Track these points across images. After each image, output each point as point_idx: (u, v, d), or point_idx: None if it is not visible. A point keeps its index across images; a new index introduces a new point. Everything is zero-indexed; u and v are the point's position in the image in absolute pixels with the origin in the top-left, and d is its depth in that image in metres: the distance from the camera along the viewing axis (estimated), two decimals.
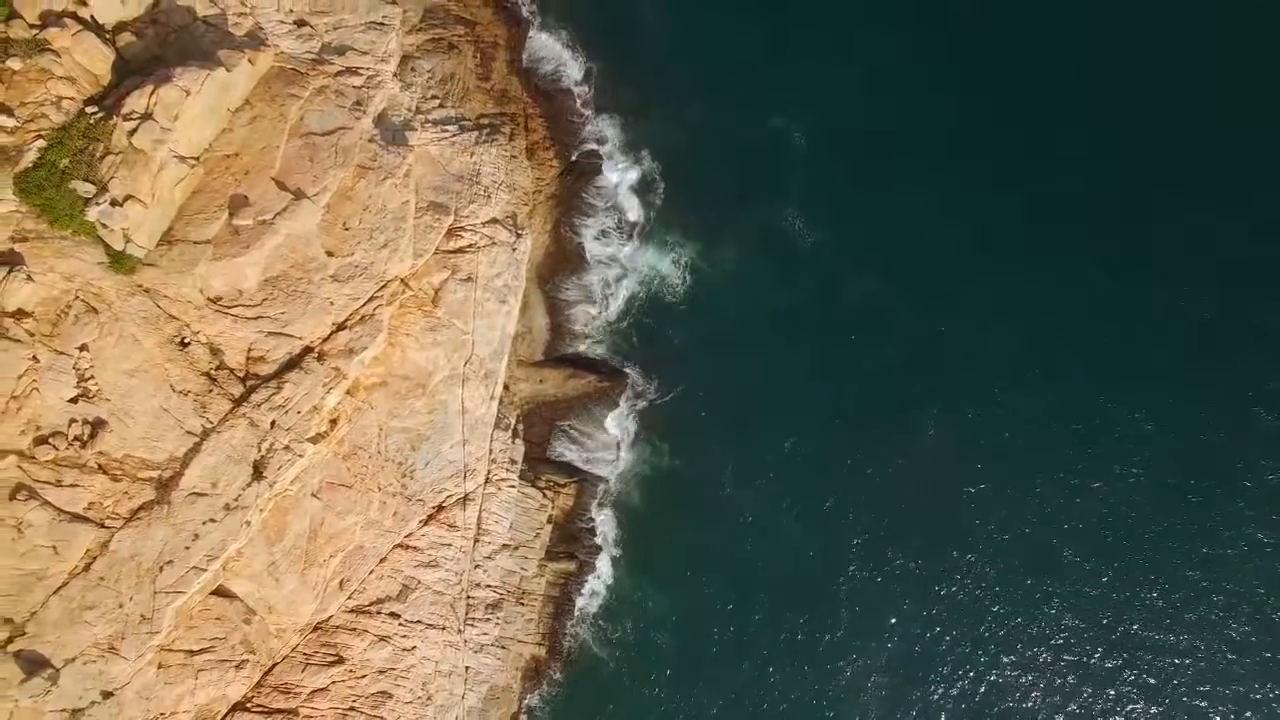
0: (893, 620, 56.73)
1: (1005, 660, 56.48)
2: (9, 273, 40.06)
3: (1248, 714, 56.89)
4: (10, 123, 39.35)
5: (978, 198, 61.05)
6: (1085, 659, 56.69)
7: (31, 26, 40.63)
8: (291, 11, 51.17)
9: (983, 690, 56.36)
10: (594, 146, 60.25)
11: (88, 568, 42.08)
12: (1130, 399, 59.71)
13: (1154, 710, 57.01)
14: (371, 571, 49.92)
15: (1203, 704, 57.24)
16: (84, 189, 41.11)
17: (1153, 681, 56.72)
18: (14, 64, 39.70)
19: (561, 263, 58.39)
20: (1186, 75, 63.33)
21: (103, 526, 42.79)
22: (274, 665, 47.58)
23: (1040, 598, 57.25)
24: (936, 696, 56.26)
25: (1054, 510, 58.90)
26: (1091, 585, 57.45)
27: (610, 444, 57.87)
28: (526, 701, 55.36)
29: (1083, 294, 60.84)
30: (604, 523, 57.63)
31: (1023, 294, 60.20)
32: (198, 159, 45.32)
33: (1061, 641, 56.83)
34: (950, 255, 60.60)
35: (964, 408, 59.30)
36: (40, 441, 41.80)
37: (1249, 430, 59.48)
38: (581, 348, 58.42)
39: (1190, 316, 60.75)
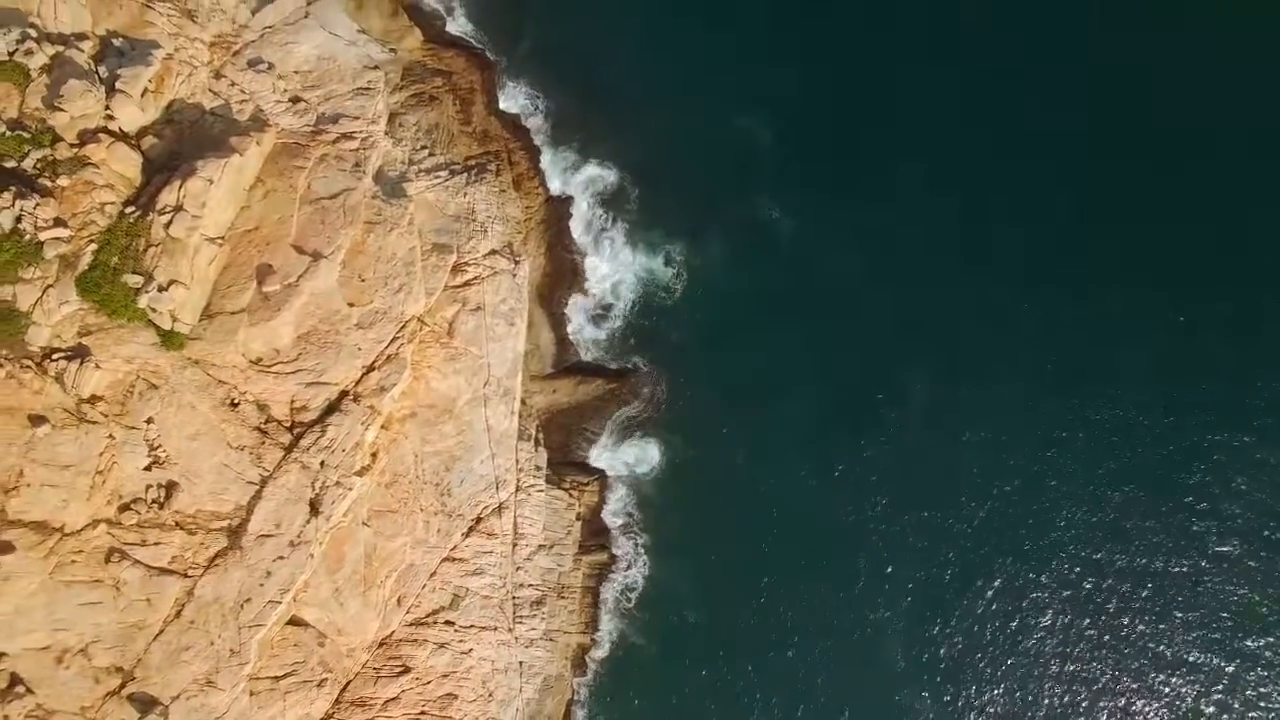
0: (910, 574, 58.28)
1: (1017, 606, 58.03)
2: (81, 364, 43.10)
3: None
4: (66, 233, 42.60)
5: (940, 170, 63.48)
6: (1091, 607, 58.20)
7: (72, 146, 44.02)
8: (286, 91, 54.10)
9: (999, 638, 57.80)
10: (572, 170, 62.49)
11: (179, 614, 44.92)
12: (1109, 350, 61.44)
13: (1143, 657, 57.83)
14: (424, 586, 51.99)
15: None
16: (133, 281, 44.29)
17: (1145, 627, 58.01)
18: (63, 181, 43.01)
19: (558, 280, 60.92)
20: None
21: (186, 576, 45.41)
22: (349, 682, 49.80)
23: (1049, 547, 58.88)
24: (957, 645, 57.59)
25: (1044, 457, 60.26)
26: (1090, 536, 59.06)
27: (625, 439, 59.70)
28: (577, 688, 56.86)
29: (1048, 250, 62.86)
30: (629, 512, 59.17)
31: (991, 252, 62.38)
32: (224, 238, 48.21)
33: (1075, 599, 58.24)
34: (920, 226, 62.84)
35: (948, 364, 61.03)
36: (124, 508, 44.70)
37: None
38: (587, 355, 60.63)
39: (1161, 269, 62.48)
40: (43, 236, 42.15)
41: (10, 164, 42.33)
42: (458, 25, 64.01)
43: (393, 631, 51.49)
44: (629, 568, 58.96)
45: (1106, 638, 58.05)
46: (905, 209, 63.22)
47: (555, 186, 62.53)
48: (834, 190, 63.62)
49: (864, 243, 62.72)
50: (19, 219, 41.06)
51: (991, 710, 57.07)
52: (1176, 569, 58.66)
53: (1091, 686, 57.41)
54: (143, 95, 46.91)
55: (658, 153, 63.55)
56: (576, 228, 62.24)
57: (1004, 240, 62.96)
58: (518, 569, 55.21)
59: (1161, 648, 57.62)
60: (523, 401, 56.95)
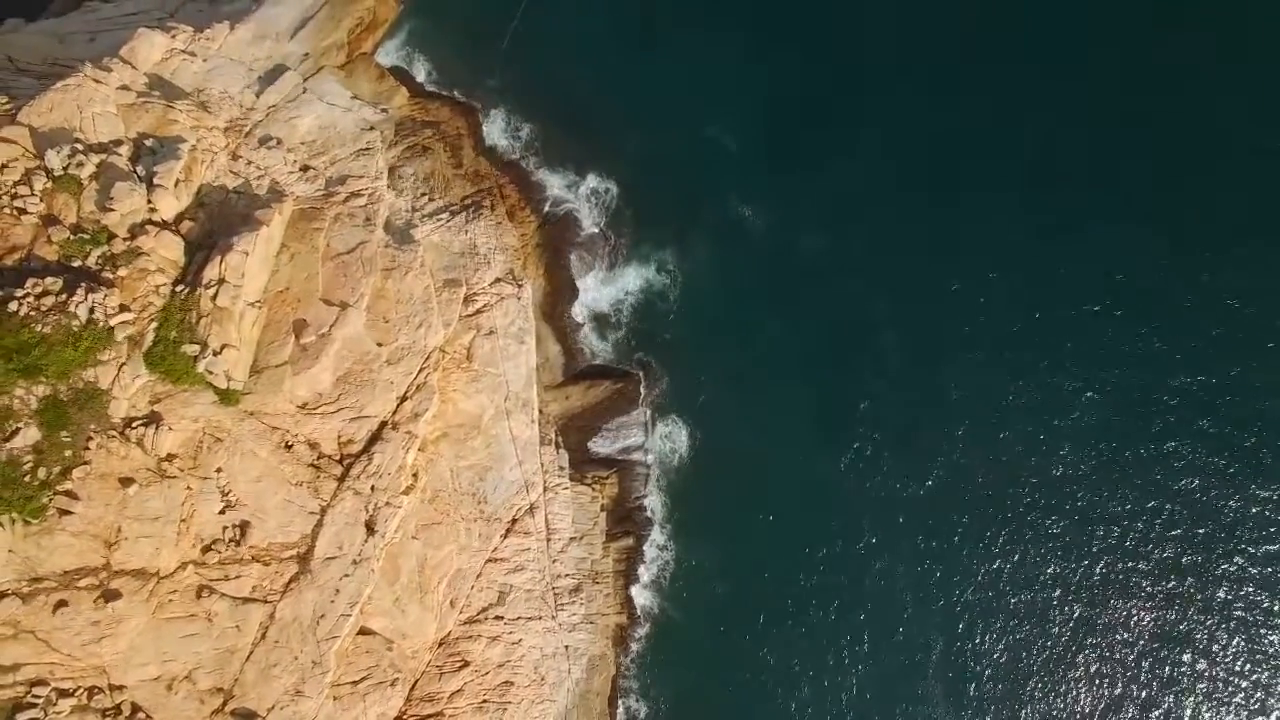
0: (911, 527, 61.17)
1: (1015, 553, 60.63)
2: (156, 428, 46.11)
3: None
4: (131, 316, 45.64)
5: (893, 154, 67.57)
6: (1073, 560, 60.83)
7: (125, 239, 47.09)
8: (295, 161, 56.52)
9: (999, 581, 60.51)
10: (558, 195, 65.95)
11: (264, 636, 47.24)
12: (1070, 309, 64.95)
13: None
14: (472, 587, 54.65)
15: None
16: (191, 350, 47.07)
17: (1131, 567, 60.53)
18: (122, 272, 45.97)
19: (559, 296, 63.51)
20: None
21: (266, 602, 47.48)
22: (416, 680, 52.22)
23: (1043, 496, 61.53)
24: (961, 587, 60.48)
25: (1014, 404, 63.30)
26: (1072, 485, 61.83)
27: (637, 433, 62.16)
28: (621, 663, 59.09)
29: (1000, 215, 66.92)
30: (648, 499, 61.50)
31: (946, 222, 66.45)
32: (261, 301, 50.87)
33: (1069, 548, 60.75)
34: (878, 203, 66.29)
35: (915, 330, 64.40)
36: (206, 549, 46.53)
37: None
38: (593, 362, 63.38)
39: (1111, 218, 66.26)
40: (113, 322, 45.16)
41: (77, 263, 45.57)
42: (433, 79, 67.68)
43: (450, 631, 53.96)
44: (654, 549, 61.07)
45: (1099, 579, 60.56)
46: (862, 192, 66.84)
47: (546, 210, 65.37)
48: (795, 181, 67.30)
49: (828, 224, 66.31)
50: (92, 310, 44.22)
51: (997, 644, 59.61)
52: (1195, 528, 61.13)
53: (1092, 630, 59.98)
54: (176, 186, 49.76)
55: (636, 170, 66.54)
56: (570, 247, 65.09)
57: (956, 207, 67.23)
58: (554, 561, 57.64)
59: (1174, 615, 59.87)
60: (540, 410, 59.17)
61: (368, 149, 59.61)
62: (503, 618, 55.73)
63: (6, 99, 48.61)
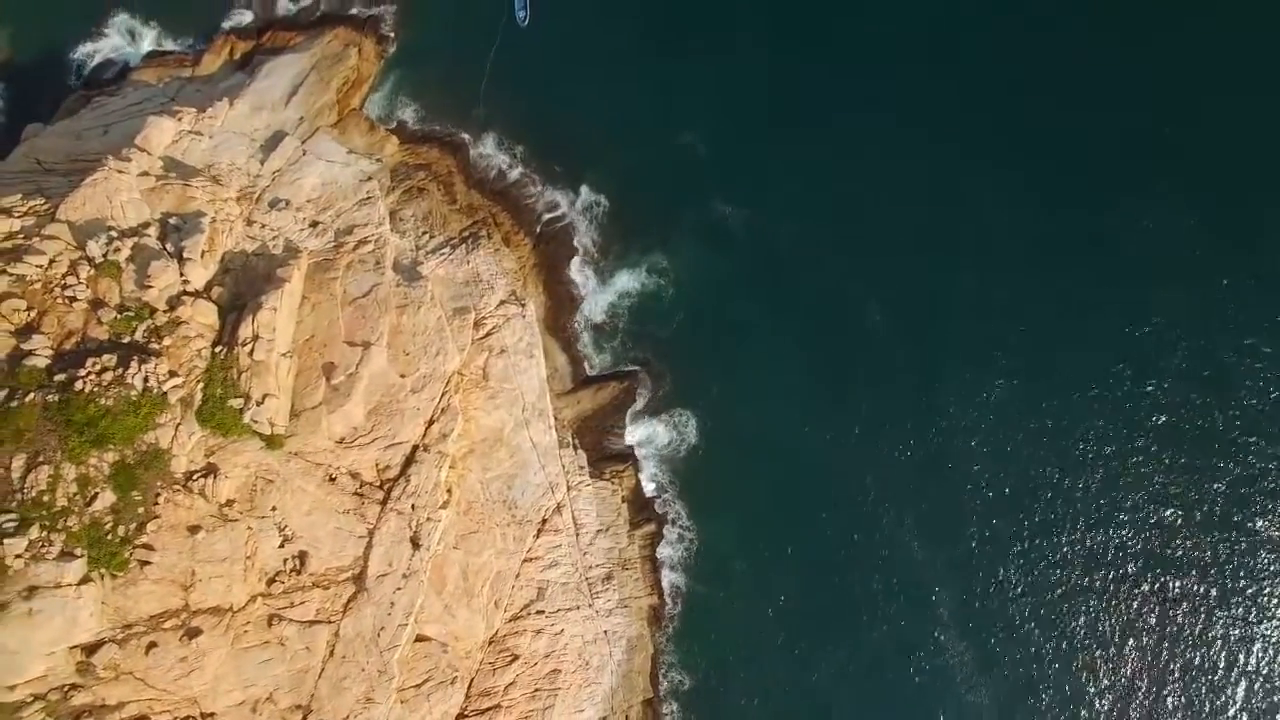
0: (904, 492, 64.55)
1: (1001, 517, 64.26)
2: (214, 478, 49.78)
3: None
4: (180, 380, 49.19)
5: (852, 149, 71.06)
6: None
7: (165, 312, 50.64)
8: (304, 219, 59.73)
9: (993, 539, 63.89)
10: (549, 215, 68.80)
11: (332, 653, 50.82)
12: (1041, 283, 68.17)
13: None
14: (512, 586, 57.78)
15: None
16: (236, 403, 50.59)
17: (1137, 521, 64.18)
18: (167, 341, 49.52)
19: (560, 309, 66.84)
20: None
21: (330, 622, 50.92)
22: (472, 678, 55.87)
23: (1019, 461, 65.23)
24: (958, 541, 64.02)
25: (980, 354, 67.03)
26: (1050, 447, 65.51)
27: (645, 427, 65.71)
28: (658, 641, 62.11)
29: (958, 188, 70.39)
30: (664, 485, 64.64)
31: (922, 207, 69.99)
32: (292, 350, 53.74)
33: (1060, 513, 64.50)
34: (846, 192, 69.85)
35: (893, 295, 67.98)
36: (271, 581, 50.34)
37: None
38: (598, 367, 66.71)
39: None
40: (165, 388, 48.68)
41: (126, 339, 49.30)
42: (421, 123, 70.37)
43: (497, 629, 57.35)
44: (676, 532, 64.01)
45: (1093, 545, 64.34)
46: (827, 178, 70.46)
47: (539, 231, 68.21)
48: (766, 179, 70.64)
49: (801, 214, 69.87)
50: (146, 379, 47.97)
51: (1004, 591, 63.44)
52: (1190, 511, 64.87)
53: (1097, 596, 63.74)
54: (202, 256, 53.25)
55: (617, 183, 69.74)
56: (565, 263, 67.98)
57: (924, 188, 70.65)
58: (584, 554, 60.76)
59: (1184, 610, 63.48)
60: (555, 416, 62.36)
61: (368, 198, 62.71)
62: (544, 611, 59.01)
63: (44, 199, 52.57)
